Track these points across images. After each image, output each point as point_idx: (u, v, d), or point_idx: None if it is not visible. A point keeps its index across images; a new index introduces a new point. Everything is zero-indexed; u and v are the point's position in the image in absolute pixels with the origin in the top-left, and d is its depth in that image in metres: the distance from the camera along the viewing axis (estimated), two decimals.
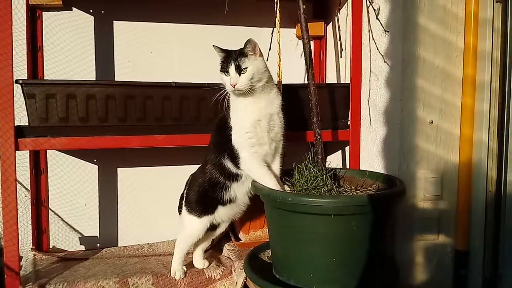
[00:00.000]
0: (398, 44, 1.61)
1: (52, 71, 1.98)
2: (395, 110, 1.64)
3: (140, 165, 2.13)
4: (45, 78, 1.94)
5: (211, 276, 1.70)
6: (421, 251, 1.67)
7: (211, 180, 1.56)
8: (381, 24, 1.68)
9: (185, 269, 1.70)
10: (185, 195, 1.69)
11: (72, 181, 2.05)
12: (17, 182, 1.55)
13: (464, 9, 1.62)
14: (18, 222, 1.53)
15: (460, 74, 1.64)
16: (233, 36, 2.18)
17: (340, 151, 2.09)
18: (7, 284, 1.50)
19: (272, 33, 1.68)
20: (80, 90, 1.60)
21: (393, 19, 1.64)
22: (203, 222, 1.62)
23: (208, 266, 1.75)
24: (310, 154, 1.49)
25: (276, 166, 1.54)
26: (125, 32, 2.08)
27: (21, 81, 1.55)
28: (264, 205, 1.46)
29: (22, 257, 1.82)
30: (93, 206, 2.08)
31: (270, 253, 1.57)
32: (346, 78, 2.03)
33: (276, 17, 1.66)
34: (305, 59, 1.51)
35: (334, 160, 2.13)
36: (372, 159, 1.78)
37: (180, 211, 1.73)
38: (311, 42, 2.21)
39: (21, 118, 1.80)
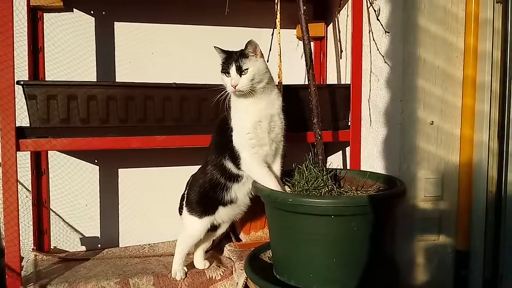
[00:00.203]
0: (399, 44, 1.61)
1: (53, 72, 1.98)
2: (396, 111, 1.64)
3: (141, 165, 2.14)
4: (46, 79, 1.94)
5: (212, 277, 1.70)
6: (421, 252, 1.67)
7: (212, 181, 1.57)
8: (382, 25, 1.68)
9: (186, 269, 1.70)
10: (185, 195, 1.70)
11: (73, 182, 2.05)
12: (18, 183, 1.55)
13: (464, 9, 1.62)
14: (19, 222, 1.53)
15: (461, 75, 1.64)
16: (233, 37, 2.19)
17: (341, 151, 2.10)
18: (8, 284, 1.50)
19: (273, 34, 1.68)
20: (81, 91, 1.60)
21: (393, 20, 1.64)
22: (203, 223, 1.62)
23: (209, 267, 1.75)
24: (310, 155, 1.49)
25: (277, 167, 1.54)
26: (126, 33, 2.09)
27: (22, 82, 1.56)
28: (265, 206, 1.46)
29: (23, 257, 1.83)
30: (94, 207, 2.09)
31: (270, 253, 1.57)
32: (346, 79, 2.03)
33: (276, 18, 1.67)
34: (306, 60, 1.51)
35: (334, 161, 2.13)
36: (372, 159, 1.78)
37: (181, 212, 1.73)
38: (312, 43, 2.21)
39: (22, 119, 1.81)
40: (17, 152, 1.52)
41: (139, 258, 1.88)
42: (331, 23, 2.20)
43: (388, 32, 1.66)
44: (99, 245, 2.09)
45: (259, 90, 1.43)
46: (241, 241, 1.96)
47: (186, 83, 1.75)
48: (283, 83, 1.69)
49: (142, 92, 1.67)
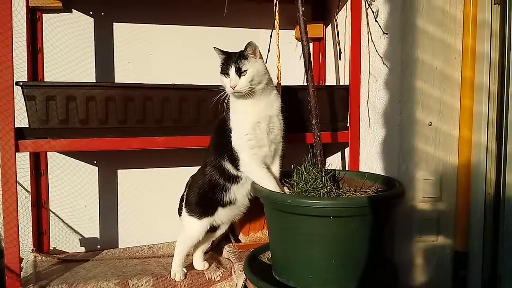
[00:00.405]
0: (397, 46, 1.61)
1: (52, 73, 1.99)
2: (394, 112, 1.64)
3: (140, 166, 2.14)
4: (45, 80, 1.95)
5: (211, 278, 1.70)
6: (420, 253, 1.68)
7: (211, 182, 1.57)
8: (380, 26, 1.68)
9: (185, 270, 1.70)
10: (185, 196, 1.70)
11: (73, 183, 2.05)
12: (17, 184, 1.56)
13: (462, 11, 1.62)
14: (19, 223, 1.54)
15: (459, 76, 1.65)
16: (232, 37, 2.19)
17: (340, 152, 2.10)
18: (7, 285, 1.50)
19: (271, 35, 1.68)
20: (80, 92, 1.60)
21: (391, 21, 1.65)
22: (203, 224, 1.62)
23: (208, 268, 1.75)
24: (309, 156, 1.50)
25: (276, 168, 1.54)
26: (125, 34, 2.09)
27: (21, 83, 1.56)
28: (264, 207, 1.47)
29: (22, 258, 1.83)
30: (94, 208, 2.09)
31: (270, 254, 1.57)
32: (345, 80, 2.04)
33: (275, 19, 1.67)
34: (304, 61, 1.51)
35: (333, 162, 2.13)
36: (371, 160, 1.78)
37: (180, 213, 1.73)
38: (310, 44, 2.21)
39: (21, 120, 1.80)
40: (16, 153, 1.52)
41: (138, 259, 1.88)
42: (330, 24, 2.20)
43: (386, 34, 1.66)
44: (99, 246, 2.10)
45: (258, 91, 1.43)
46: (240, 242, 1.96)
47: (185, 84, 1.75)
48: (282, 84, 1.69)
49: (141, 93, 1.67)
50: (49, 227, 1.99)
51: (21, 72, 1.86)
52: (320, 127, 1.51)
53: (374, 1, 1.73)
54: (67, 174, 2.05)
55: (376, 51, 1.73)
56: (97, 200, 2.09)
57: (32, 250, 1.91)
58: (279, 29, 1.67)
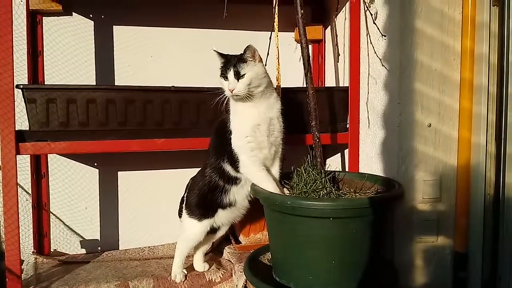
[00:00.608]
0: (396, 47, 1.62)
1: (53, 75, 1.99)
2: (394, 113, 1.65)
3: (141, 168, 2.14)
4: (45, 83, 1.95)
5: (212, 279, 1.71)
6: (420, 253, 1.68)
7: (211, 184, 1.57)
8: (378, 29, 1.69)
9: (186, 272, 1.70)
10: (185, 198, 1.70)
11: (73, 185, 2.06)
12: (18, 186, 1.56)
13: (461, 12, 1.63)
14: (20, 225, 1.54)
15: (458, 77, 1.65)
16: (231, 40, 2.19)
17: (339, 154, 2.10)
18: (8, 287, 1.51)
19: (271, 37, 1.69)
20: (80, 95, 1.61)
21: (390, 23, 1.65)
22: (203, 226, 1.63)
23: (208, 269, 1.76)
24: (309, 157, 1.50)
25: (276, 170, 1.55)
26: (125, 36, 2.10)
27: (21, 86, 1.56)
28: (264, 209, 1.47)
29: (23, 260, 1.83)
30: (94, 210, 2.09)
31: (270, 256, 1.57)
32: (344, 82, 2.04)
33: (274, 21, 1.67)
34: (304, 63, 1.52)
35: (333, 163, 2.14)
36: (371, 162, 1.79)
37: (180, 215, 1.74)
38: (310, 46, 2.22)
39: (22, 122, 1.81)
40: (17, 155, 1.52)
41: (139, 261, 1.88)
42: (329, 26, 2.21)
43: (385, 36, 1.67)
44: (99, 248, 2.10)
45: (258, 94, 1.43)
46: (241, 243, 1.97)
47: (185, 86, 1.76)
48: (281, 86, 1.70)
49: (141, 95, 1.68)
50: (50, 229, 2.00)
51: (21, 75, 1.87)
52: (319, 129, 1.52)
53: (372, 3, 1.74)
54: (67, 176, 2.05)
55: (375, 53, 1.73)
56: (97, 202, 2.10)
57: (33, 252, 1.91)
58: (279, 31, 1.68)
